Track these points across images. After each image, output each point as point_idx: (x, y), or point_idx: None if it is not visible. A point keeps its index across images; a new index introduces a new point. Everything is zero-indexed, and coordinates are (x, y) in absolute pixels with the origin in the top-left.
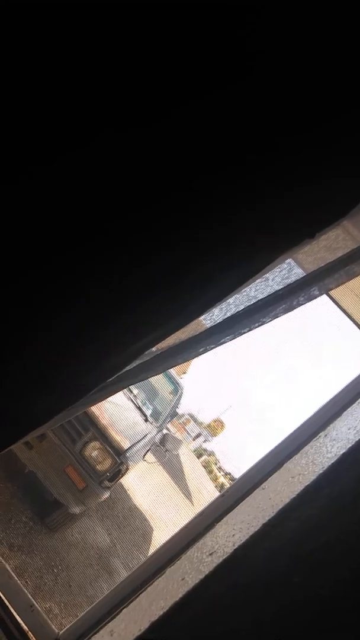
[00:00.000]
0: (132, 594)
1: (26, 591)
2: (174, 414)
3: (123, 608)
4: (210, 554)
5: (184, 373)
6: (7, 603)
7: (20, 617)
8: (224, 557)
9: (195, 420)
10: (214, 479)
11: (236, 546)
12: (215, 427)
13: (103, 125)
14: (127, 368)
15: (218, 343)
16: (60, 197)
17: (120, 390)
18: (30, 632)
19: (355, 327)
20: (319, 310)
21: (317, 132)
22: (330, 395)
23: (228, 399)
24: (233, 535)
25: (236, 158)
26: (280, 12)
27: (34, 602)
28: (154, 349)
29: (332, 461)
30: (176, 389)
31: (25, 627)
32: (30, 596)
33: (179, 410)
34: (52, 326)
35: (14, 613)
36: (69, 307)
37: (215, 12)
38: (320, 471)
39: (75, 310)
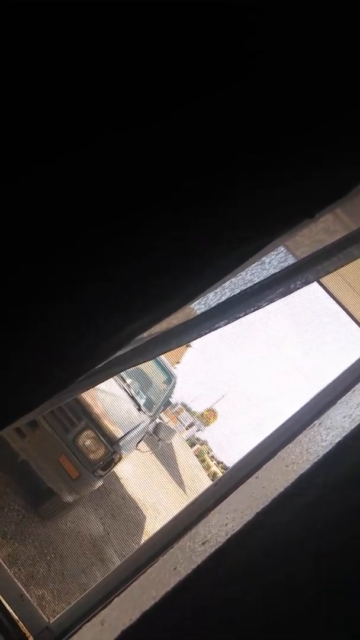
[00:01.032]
0: (123, 583)
1: (17, 581)
2: (167, 404)
3: (114, 597)
4: (203, 543)
5: (178, 362)
6: None
7: (10, 606)
8: (216, 547)
9: (188, 410)
10: (207, 468)
11: (229, 535)
12: (208, 417)
13: (103, 125)
14: (119, 353)
15: (213, 327)
16: (59, 197)
17: (111, 377)
18: (20, 622)
19: (348, 316)
20: (312, 299)
21: (317, 132)
22: (324, 384)
23: (221, 389)
24: (226, 524)
25: (236, 158)
26: (280, 12)
27: (25, 592)
28: (145, 334)
29: (327, 450)
30: (170, 378)
31: (15, 617)
32: (20, 586)
33: (172, 400)
34: (46, 316)
35: (4, 603)
36: (62, 299)
37: (215, 12)
38: (315, 460)
39: (69, 301)
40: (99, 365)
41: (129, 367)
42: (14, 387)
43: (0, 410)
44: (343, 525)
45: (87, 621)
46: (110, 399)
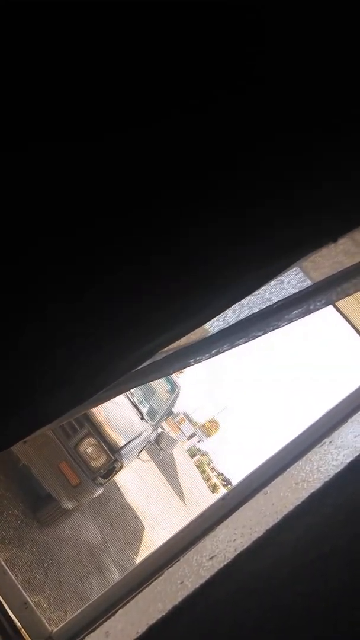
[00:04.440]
0: (128, 595)
1: (21, 588)
2: (169, 413)
3: (119, 609)
4: (211, 558)
5: (181, 372)
6: (1, 600)
7: (13, 614)
8: (225, 562)
9: (190, 420)
10: (207, 479)
11: (238, 551)
12: (209, 428)
13: (104, 129)
14: (138, 368)
15: (232, 345)
16: (60, 196)
17: (128, 390)
18: (23, 630)
19: (359, 335)
20: (322, 316)
21: (342, 135)
22: (335, 402)
23: (224, 400)
24: (234, 540)
25: (255, 159)
26: (280, 12)
27: (29, 599)
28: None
29: (339, 469)
30: (173, 388)
31: (18, 624)
32: (25, 593)
33: (174, 410)
34: (67, 327)
35: (8, 610)
36: (85, 310)
37: (215, 12)
38: (326, 479)
39: (92, 312)
40: (120, 379)
41: (148, 382)
42: (33, 401)
43: (20, 421)
44: (353, 546)
45: (91, 631)
46: (113, 406)
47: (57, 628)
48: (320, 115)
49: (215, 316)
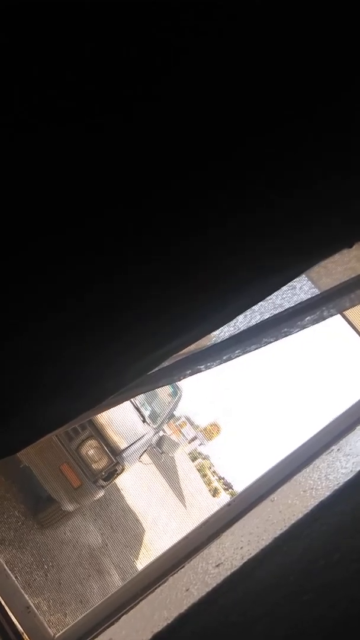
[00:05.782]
0: (131, 601)
1: (23, 592)
2: (171, 416)
3: (122, 615)
4: (217, 566)
5: None
6: (3, 603)
7: (16, 618)
8: (232, 570)
9: (191, 423)
10: (208, 483)
11: (245, 559)
12: (211, 431)
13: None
14: (148, 373)
15: (244, 351)
16: (56, 194)
17: (137, 395)
18: (25, 634)
19: None
20: (329, 323)
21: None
22: (340, 410)
23: (226, 404)
24: (241, 547)
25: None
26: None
27: (31, 604)
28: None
29: (348, 477)
30: (175, 391)
31: (20, 629)
32: (27, 597)
33: (176, 413)
34: (66, 328)
35: (10, 614)
36: (85, 312)
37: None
38: (335, 487)
39: (101, 317)
40: (130, 384)
41: (158, 387)
42: (33, 401)
43: (28, 426)
44: None
45: (94, 637)
46: (116, 409)
47: (60, 633)
48: (325, 109)
49: (227, 322)
